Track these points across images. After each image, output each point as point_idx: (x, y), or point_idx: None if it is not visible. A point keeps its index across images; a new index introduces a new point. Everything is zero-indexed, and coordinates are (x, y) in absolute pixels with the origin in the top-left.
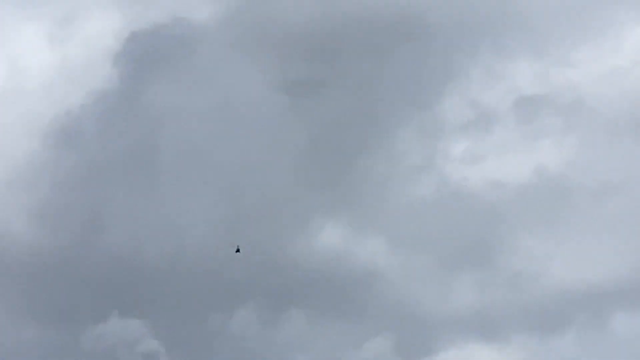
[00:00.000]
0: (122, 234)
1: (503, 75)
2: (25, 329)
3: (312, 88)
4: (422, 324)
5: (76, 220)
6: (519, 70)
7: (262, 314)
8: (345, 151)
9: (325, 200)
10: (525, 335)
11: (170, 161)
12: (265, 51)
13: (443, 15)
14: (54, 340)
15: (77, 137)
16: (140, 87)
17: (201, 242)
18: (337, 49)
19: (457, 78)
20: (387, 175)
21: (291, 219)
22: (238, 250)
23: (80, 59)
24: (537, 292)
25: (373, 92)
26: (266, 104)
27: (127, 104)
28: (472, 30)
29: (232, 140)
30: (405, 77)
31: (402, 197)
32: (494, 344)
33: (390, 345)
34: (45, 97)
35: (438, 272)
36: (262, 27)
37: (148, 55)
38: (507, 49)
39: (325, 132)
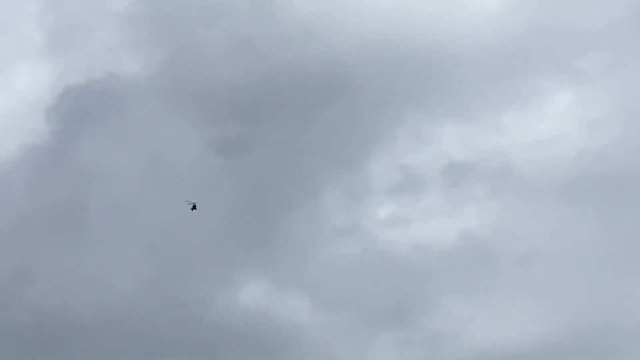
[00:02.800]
0: (49, 288)
1: (429, 138)
2: None
3: (242, 147)
4: None
5: (2, 273)
6: (444, 134)
7: None
8: (271, 210)
9: (249, 258)
10: None
11: (99, 217)
12: (195, 108)
13: (370, 76)
14: None
15: (6, 191)
16: (72, 142)
17: (127, 298)
18: (267, 107)
19: (383, 139)
20: (312, 234)
21: (216, 275)
22: (194, 207)
23: (11, 111)
24: (455, 352)
25: (301, 151)
26: (195, 162)
27: (57, 158)
28: (399, 91)
29: (161, 197)
30: (333, 137)
31: (326, 257)
32: None
33: None
34: None
35: (359, 330)
36: (192, 83)
37: (80, 110)
38: (432, 111)
39: (254, 191)
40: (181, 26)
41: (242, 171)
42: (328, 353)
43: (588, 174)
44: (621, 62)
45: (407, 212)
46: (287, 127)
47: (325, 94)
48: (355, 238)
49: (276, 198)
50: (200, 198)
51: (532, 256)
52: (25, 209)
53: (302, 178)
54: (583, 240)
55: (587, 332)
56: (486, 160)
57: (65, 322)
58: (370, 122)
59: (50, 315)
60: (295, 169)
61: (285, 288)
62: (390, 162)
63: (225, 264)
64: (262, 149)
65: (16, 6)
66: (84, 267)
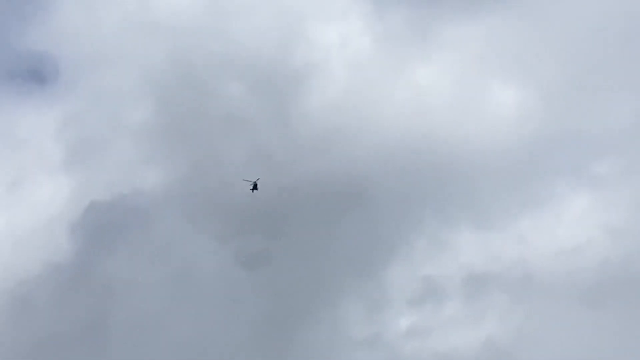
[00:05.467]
0: None
1: (448, 246)
2: None
3: (264, 258)
4: None
5: None
6: (463, 242)
7: None
8: (294, 321)
9: None
10: None
11: (123, 333)
12: (217, 221)
13: (388, 184)
14: None
15: (30, 309)
16: (96, 258)
17: None
18: (287, 218)
19: (402, 249)
20: (333, 346)
21: None
22: (255, 187)
23: (33, 228)
24: None
25: (322, 262)
26: (219, 275)
27: (82, 274)
28: (417, 199)
29: (185, 311)
30: (352, 247)
31: None
32: None
33: None
34: None
35: None
36: (212, 196)
37: (103, 226)
38: (451, 219)
39: (276, 302)
40: (200, 138)
41: (265, 283)
42: None
43: (610, 281)
44: (638, 166)
45: (428, 323)
46: (307, 237)
47: (344, 204)
48: (377, 349)
49: (298, 309)
50: (224, 310)
51: None
52: (50, 326)
53: (322, 289)
54: (606, 348)
55: None
56: (506, 268)
57: None
58: (389, 231)
59: None
60: (316, 280)
61: None
62: (410, 272)
63: None
64: (284, 261)
65: (34, 122)
66: None
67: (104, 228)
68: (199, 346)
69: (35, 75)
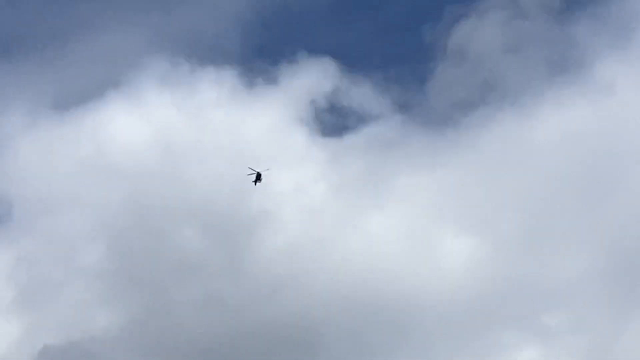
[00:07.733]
0: None
1: None
2: None
3: None
4: None
5: None
6: None
7: None
8: None
9: None
10: None
11: None
12: None
13: (337, 332)
14: None
15: None
16: None
17: None
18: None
19: None
20: None
21: None
22: (258, 178)
23: None
24: None
25: None
26: None
27: None
28: (366, 348)
29: None
30: None
31: None
32: None
33: None
34: None
35: None
36: (164, 341)
37: None
38: None
39: None
40: (154, 282)
41: None
42: None
43: None
44: (588, 319)
45: None
46: None
47: (296, 351)
48: None
49: None
50: None
51: None
52: None
53: None
54: None
55: None
56: None
57: None
58: None
59: None
60: None
61: None
62: None
63: None
64: None
65: None
66: None
67: None
68: None
69: None
